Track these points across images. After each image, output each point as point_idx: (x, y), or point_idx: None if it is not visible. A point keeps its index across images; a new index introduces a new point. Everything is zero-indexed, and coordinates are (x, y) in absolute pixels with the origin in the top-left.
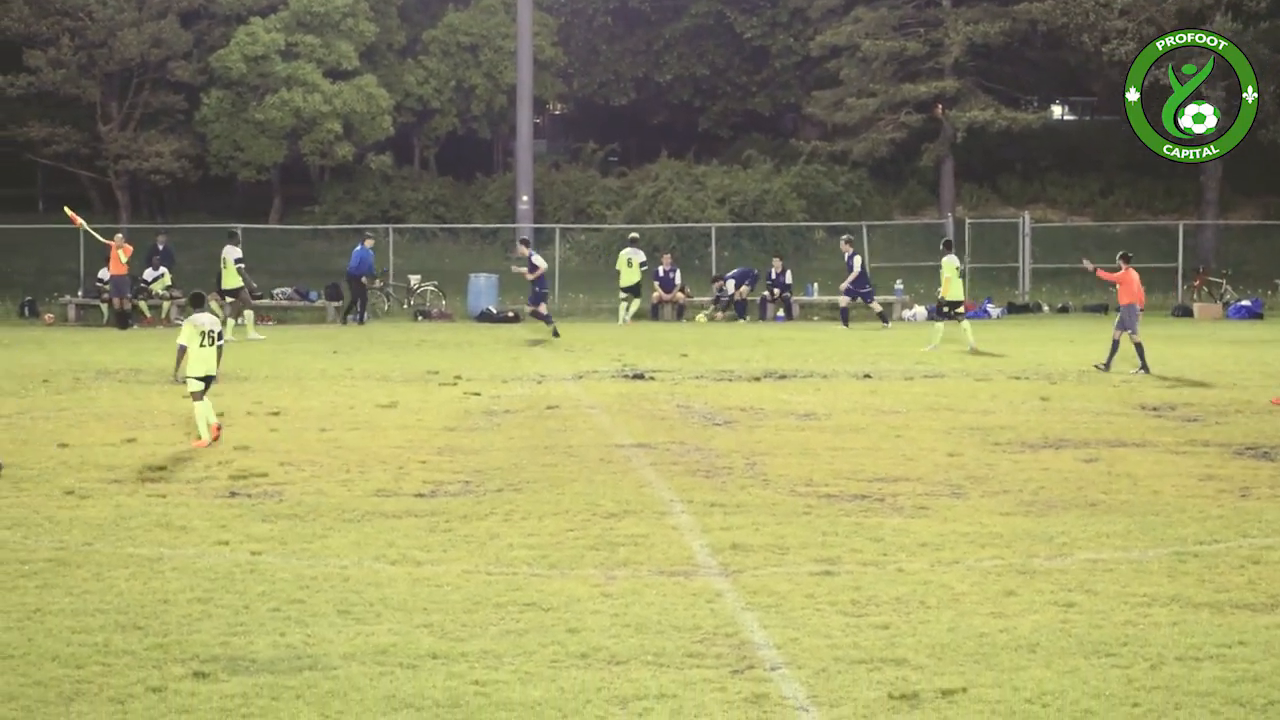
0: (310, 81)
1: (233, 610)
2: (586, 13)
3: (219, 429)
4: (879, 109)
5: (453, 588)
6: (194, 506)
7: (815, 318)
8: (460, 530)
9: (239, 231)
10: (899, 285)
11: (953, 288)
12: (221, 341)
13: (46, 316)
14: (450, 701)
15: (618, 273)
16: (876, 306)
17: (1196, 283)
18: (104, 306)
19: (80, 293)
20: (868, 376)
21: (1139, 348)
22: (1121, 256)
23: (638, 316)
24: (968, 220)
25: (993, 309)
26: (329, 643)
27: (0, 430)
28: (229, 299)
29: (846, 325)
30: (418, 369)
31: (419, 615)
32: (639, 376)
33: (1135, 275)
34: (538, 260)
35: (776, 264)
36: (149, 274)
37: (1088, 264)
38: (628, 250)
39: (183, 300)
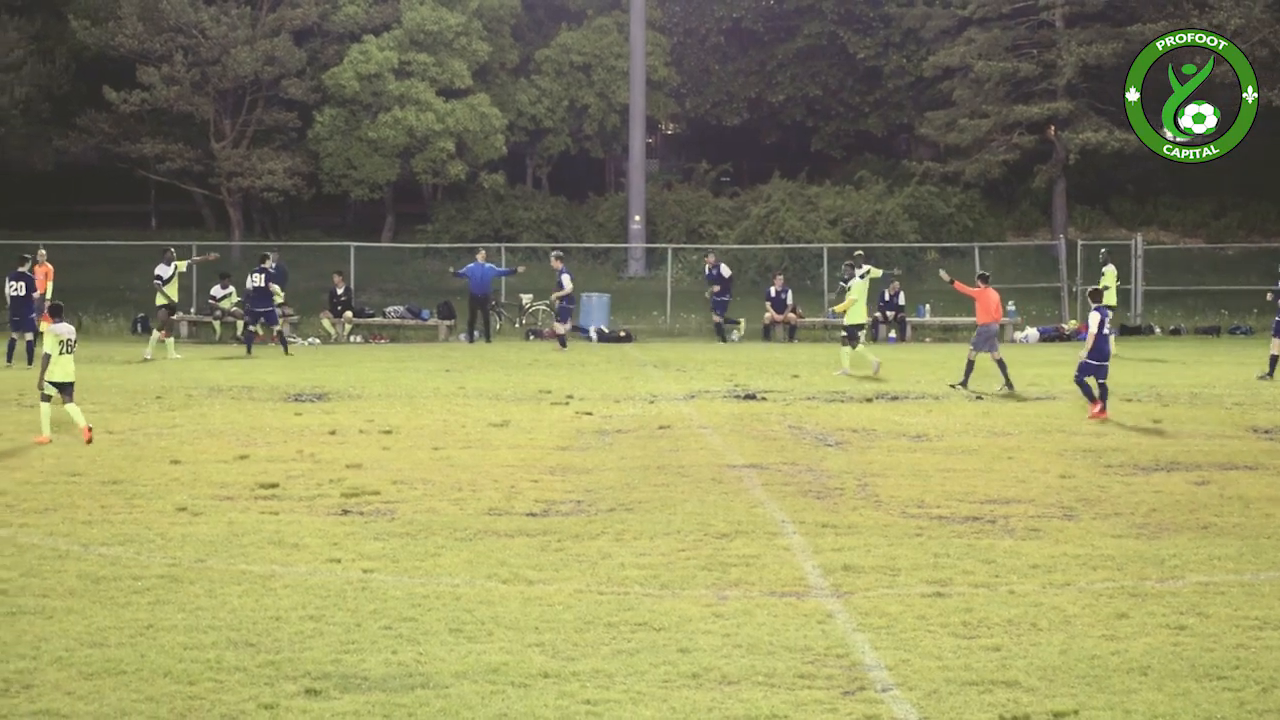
0: (423, 100)
1: (345, 628)
2: (699, 33)
3: (90, 430)
4: (991, 130)
5: (564, 607)
6: (306, 524)
7: (928, 339)
8: (572, 549)
9: (173, 250)
10: (1011, 307)
11: (857, 310)
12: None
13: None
14: None
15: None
16: (560, 329)
17: None
18: (216, 324)
19: (193, 310)
20: (979, 398)
21: (1001, 364)
22: (980, 277)
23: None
24: (1080, 242)
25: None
26: (441, 661)
27: (114, 446)
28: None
29: (565, 347)
30: (530, 388)
31: (530, 634)
32: (750, 397)
33: (994, 295)
34: (272, 284)
35: (892, 285)
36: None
37: (944, 275)
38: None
39: (296, 319)
